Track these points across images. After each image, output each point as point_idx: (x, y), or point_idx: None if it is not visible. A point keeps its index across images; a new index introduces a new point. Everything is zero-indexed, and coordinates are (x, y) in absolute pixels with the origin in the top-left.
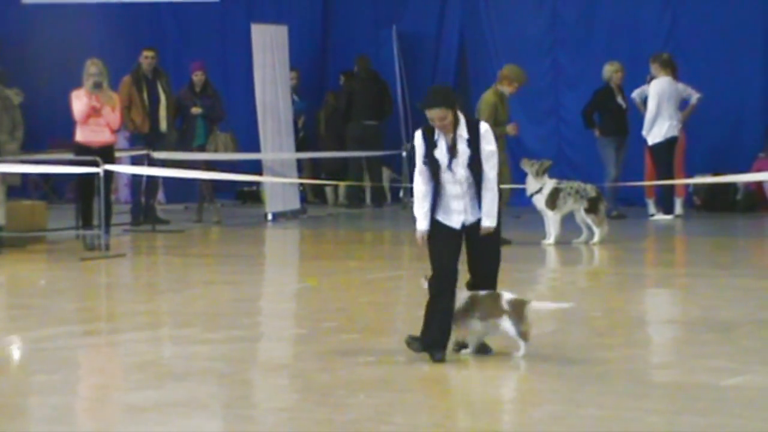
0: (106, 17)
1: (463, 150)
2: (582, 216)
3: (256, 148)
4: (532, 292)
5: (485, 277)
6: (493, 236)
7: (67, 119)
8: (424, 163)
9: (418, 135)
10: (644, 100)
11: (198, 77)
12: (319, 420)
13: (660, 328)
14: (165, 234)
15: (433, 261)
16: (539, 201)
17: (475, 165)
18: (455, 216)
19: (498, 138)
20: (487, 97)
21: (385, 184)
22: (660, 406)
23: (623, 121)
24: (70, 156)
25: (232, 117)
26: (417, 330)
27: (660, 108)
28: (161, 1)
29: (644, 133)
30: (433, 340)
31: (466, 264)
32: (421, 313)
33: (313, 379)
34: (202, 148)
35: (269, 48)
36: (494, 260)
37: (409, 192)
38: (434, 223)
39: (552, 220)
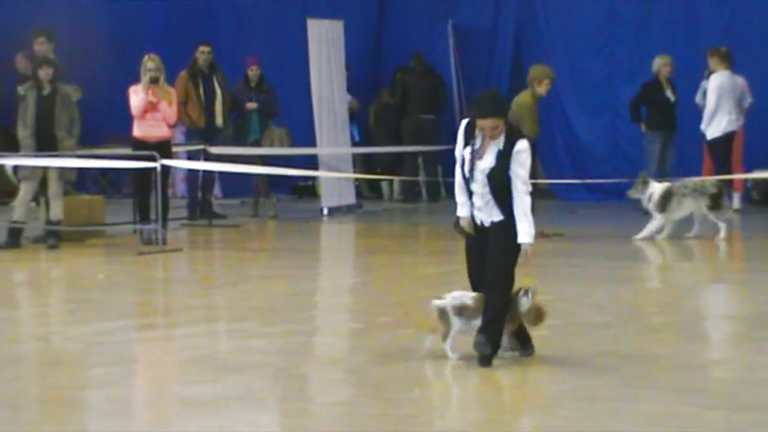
0: (162, 12)
1: (489, 161)
2: (704, 213)
3: (311, 143)
4: (583, 287)
5: (489, 276)
6: (500, 241)
7: (125, 114)
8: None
9: (462, 126)
10: (704, 98)
11: (253, 72)
12: (373, 414)
13: (716, 323)
14: (221, 228)
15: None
16: (650, 204)
17: (496, 177)
18: (476, 213)
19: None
20: (526, 100)
21: (441, 178)
22: (718, 402)
23: (671, 115)
24: (128, 151)
25: (287, 112)
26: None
27: (719, 102)
28: None
29: (703, 127)
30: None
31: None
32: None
33: (368, 373)
34: (257, 143)
35: (324, 43)
36: (498, 263)
37: None
38: (459, 219)
39: (656, 221)
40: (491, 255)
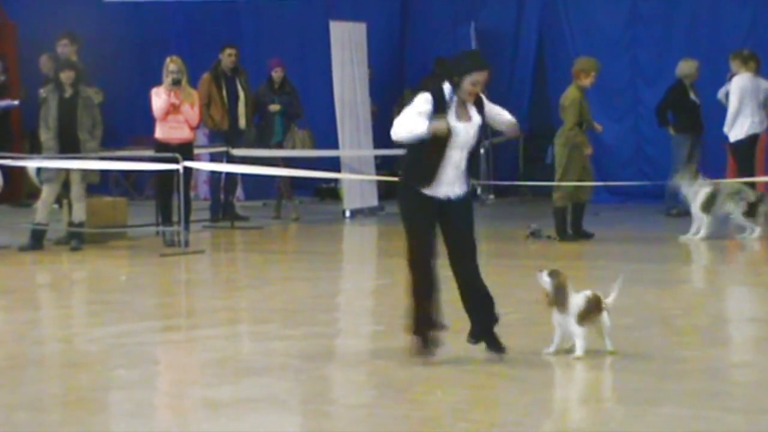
0: (185, 15)
1: (476, 116)
2: (739, 218)
3: (334, 145)
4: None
5: (465, 251)
6: (470, 212)
7: (147, 116)
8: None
9: (427, 97)
10: (726, 97)
11: (277, 74)
12: (396, 416)
13: (740, 326)
14: (244, 230)
15: (413, 244)
16: (694, 204)
17: (481, 131)
18: (444, 187)
19: (582, 134)
20: (572, 93)
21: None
22: (740, 406)
23: (698, 118)
24: (150, 153)
25: (310, 114)
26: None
27: (742, 104)
28: None
29: (726, 130)
30: (420, 328)
31: (444, 240)
32: (500, 310)
33: (391, 375)
34: (279, 145)
35: (347, 45)
36: (472, 234)
37: (487, 190)
38: (416, 194)
39: (704, 221)
40: (461, 229)
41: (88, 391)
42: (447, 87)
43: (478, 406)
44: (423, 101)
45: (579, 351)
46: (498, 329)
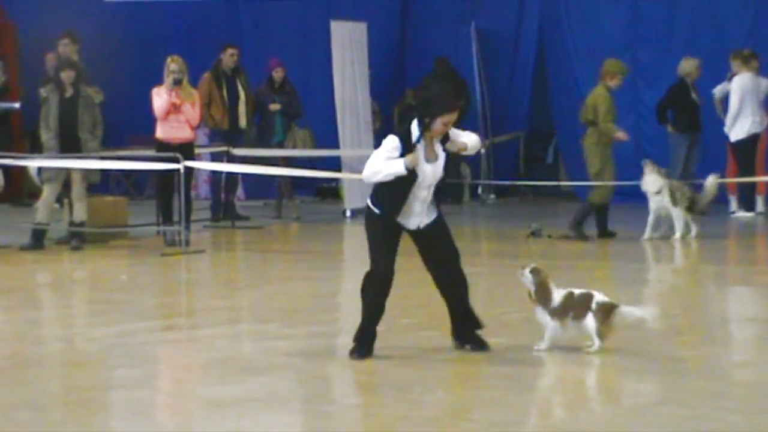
0: (185, 14)
1: (441, 153)
2: (680, 213)
3: (334, 145)
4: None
5: (451, 270)
6: (447, 231)
7: (148, 116)
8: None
9: (395, 141)
10: (725, 97)
11: (278, 74)
12: (396, 416)
13: (741, 326)
14: (244, 230)
15: (375, 258)
16: (659, 201)
17: (447, 167)
18: (414, 218)
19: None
20: (601, 92)
21: (465, 180)
22: (740, 405)
23: (697, 117)
24: (151, 152)
25: (310, 114)
26: (494, 328)
27: (743, 104)
28: None
29: (726, 129)
30: (366, 336)
31: (426, 263)
32: (499, 310)
33: (391, 375)
34: (280, 145)
35: (348, 45)
36: (455, 252)
37: (488, 189)
38: (382, 219)
39: (679, 216)
40: (444, 246)
41: (89, 390)
42: (414, 127)
43: (478, 405)
44: (391, 146)
45: (543, 344)
46: (499, 328)
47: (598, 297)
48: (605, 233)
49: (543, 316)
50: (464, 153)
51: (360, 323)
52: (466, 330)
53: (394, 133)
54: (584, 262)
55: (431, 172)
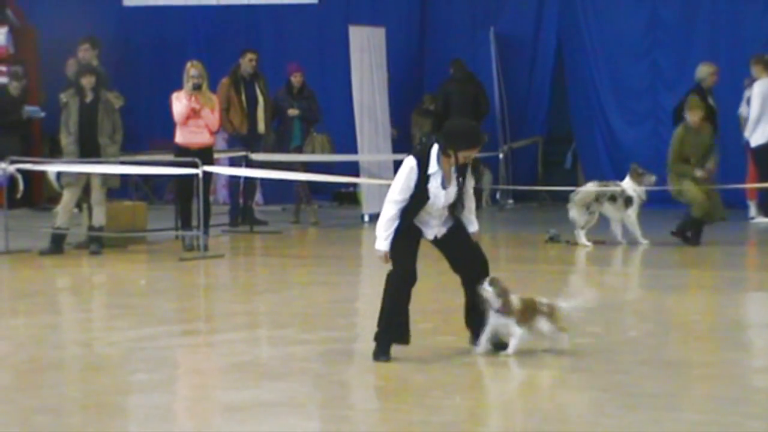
0: (205, 20)
1: (454, 188)
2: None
3: (353, 150)
4: (625, 295)
5: (479, 268)
6: (466, 234)
7: (167, 121)
8: (411, 196)
9: (411, 162)
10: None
11: (296, 79)
12: (414, 421)
13: (760, 332)
14: (263, 235)
15: (396, 260)
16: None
17: (461, 195)
18: (431, 230)
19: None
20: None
21: (485, 186)
22: (760, 411)
23: (714, 122)
24: (170, 157)
25: (329, 118)
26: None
27: (763, 109)
28: (259, 3)
29: (747, 135)
30: (391, 338)
31: (454, 267)
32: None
33: (409, 380)
34: (298, 150)
35: (366, 50)
36: (480, 250)
37: (506, 194)
38: (409, 224)
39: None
40: (469, 248)
41: (108, 394)
42: (435, 152)
43: (497, 411)
44: (408, 167)
45: (511, 350)
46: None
47: (541, 299)
48: (683, 237)
49: (511, 324)
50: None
51: (379, 323)
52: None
53: (414, 155)
54: (601, 268)
55: (445, 197)
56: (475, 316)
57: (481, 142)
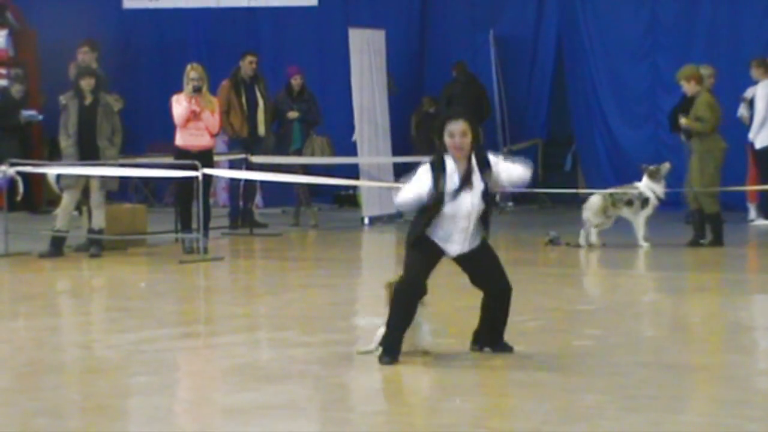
0: (205, 22)
1: (477, 183)
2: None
3: (352, 152)
4: (625, 297)
5: (501, 287)
6: (490, 251)
7: (167, 123)
8: (430, 198)
9: (425, 168)
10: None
11: (296, 81)
12: (415, 424)
13: (761, 334)
14: (262, 237)
15: (408, 269)
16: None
17: (486, 197)
18: (452, 246)
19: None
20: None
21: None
22: (762, 414)
23: None
24: (170, 160)
25: (329, 121)
26: (513, 335)
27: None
28: (259, 5)
29: (751, 136)
30: (392, 342)
31: (474, 283)
32: (517, 318)
33: (410, 382)
34: (298, 152)
35: (366, 52)
36: (501, 270)
37: (506, 197)
38: (425, 238)
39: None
40: (491, 268)
41: (108, 397)
42: (448, 156)
43: (496, 413)
44: (423, 172)
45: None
46: (517, 336)
47: None
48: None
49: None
50: (510, 186)
51: (386, 330)
52: (488, 334)
53: (429, 161)
54: (601, 270)
55: (468, 200)
56: (486, 336)
57: (459, 113)
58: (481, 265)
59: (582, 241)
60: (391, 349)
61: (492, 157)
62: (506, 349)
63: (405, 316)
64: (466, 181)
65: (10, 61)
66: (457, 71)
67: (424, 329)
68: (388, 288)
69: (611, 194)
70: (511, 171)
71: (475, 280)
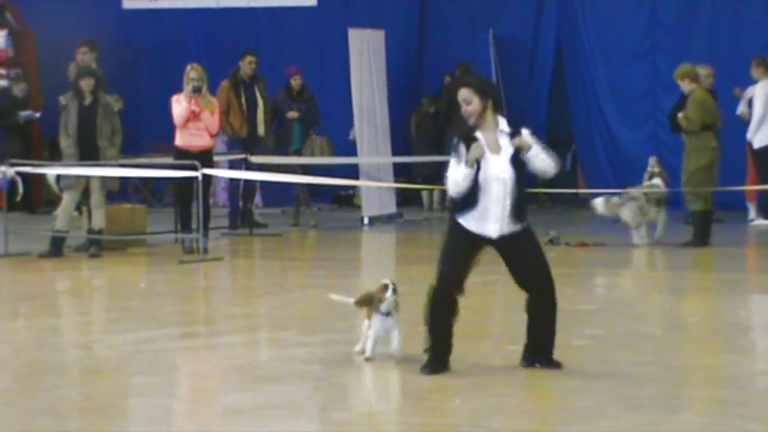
0: (204, 22)
1: (506, 145)
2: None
3: (352, 152)
4: (625, 297)
5: (542, 284)
6: (534, 240)
7: (167, 123)
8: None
9: (457, 143)
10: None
11: (296, 81)
12: (415, 424)
13: (760, 333)
14: (262, 237)
15: (440, 271)
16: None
17: (518, 162)
18: (491, 224)
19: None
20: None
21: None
22: (761, 414)
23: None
24: (169, 160)
25: (328, 121)
26: (512, 335)
27: (766, 111)
28: (258, 6)
29: (749, 136)
30: (436, 354)
31: (515, 277)
32: (516, 318)
33: (409, 382)
34: (298, 153)
35: (366, 52)
36: (544, 262)
37: None
38: (460, 228)
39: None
40: (534, 263)
41: (108, 397)
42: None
43: (496, 413)
44: (455, 146)
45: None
46: (517, 336)
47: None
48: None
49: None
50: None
51: (427, 341)
52: (538, 351)
53: (455, 141)
54: (601, 270)
55: (496, 163)
56: (536, 354)
57: (462, 81)
58: (523, 253)
59: (638, 240)
60: (430, 362)
61: (526, 131)
62: (555, 365)
63: (440, 327)
64: (493, 145)
65: (10, 61)
66: (460, 71)
67: (395, 335)
68: (358, 307)
69: (645, 193)
70: (538, 154)
71: (517, 272)
